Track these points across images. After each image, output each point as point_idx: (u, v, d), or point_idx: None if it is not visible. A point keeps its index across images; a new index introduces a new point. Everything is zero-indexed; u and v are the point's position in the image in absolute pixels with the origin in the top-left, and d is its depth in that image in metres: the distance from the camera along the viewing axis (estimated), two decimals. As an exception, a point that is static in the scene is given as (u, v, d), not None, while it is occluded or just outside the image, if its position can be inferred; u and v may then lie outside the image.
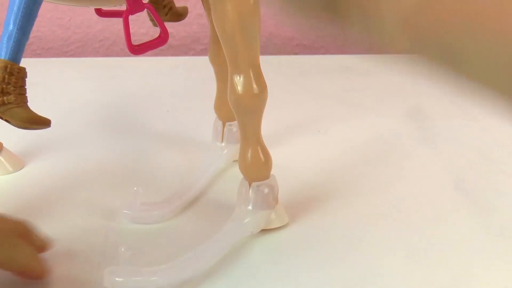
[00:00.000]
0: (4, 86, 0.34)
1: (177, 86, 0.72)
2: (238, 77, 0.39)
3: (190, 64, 0.80)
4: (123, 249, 0.36)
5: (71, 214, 0.46)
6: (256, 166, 0.42)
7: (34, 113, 0.36)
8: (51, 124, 0.37)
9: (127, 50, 0.38)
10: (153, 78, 0.74)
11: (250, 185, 0.42)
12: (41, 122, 0.36)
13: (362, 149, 0.56)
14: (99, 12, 0.44)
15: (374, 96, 0.68)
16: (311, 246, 0.42)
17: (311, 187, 0.49)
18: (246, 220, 0.41)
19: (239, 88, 0.39)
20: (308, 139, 0.58)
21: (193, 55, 0.87)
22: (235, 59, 0.39)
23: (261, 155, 0.42)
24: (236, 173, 0.46)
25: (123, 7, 0.41)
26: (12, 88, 0.35)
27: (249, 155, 0.41)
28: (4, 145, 0.51)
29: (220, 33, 0.39)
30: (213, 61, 0.49)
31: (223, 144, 0.51)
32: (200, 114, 0.62)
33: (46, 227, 0.44)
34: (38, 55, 0.87)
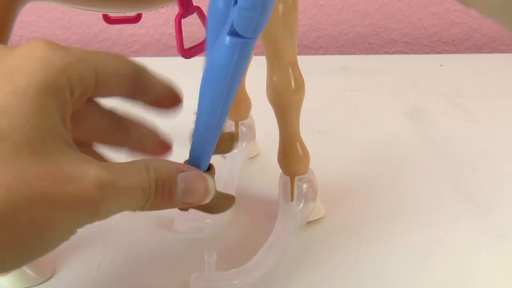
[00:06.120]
0: None
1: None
2: (278, 75, 0.39)
3: (190, 64, 0.79)
4: (206, 255, 0.37)
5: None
6: (295, 161, 0.42)
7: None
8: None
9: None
10: (153, 78, 0.74)
11: (291, 180, 0.43)
12: None
13: (361, 149, 0.56)
14: (107, 19, 0.43)
15: (374, 96, 0.68)
16: (310, 245, 0.42)
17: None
18: (294, 215, 0.43)
19: (279, 85, 0.40)
20: (307, 139, 0.58)
21: (193, 55, 0.87)
22: (276, 57, 0.39)
23: (300, 150, 0.42)
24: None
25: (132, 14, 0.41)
26: None
27: (288, 150, 0.42)
28: None
29: (262, 32, 0.39)
30: None
31: (239, 143, 0.51)
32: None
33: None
34: (38, 56, 0.87)
